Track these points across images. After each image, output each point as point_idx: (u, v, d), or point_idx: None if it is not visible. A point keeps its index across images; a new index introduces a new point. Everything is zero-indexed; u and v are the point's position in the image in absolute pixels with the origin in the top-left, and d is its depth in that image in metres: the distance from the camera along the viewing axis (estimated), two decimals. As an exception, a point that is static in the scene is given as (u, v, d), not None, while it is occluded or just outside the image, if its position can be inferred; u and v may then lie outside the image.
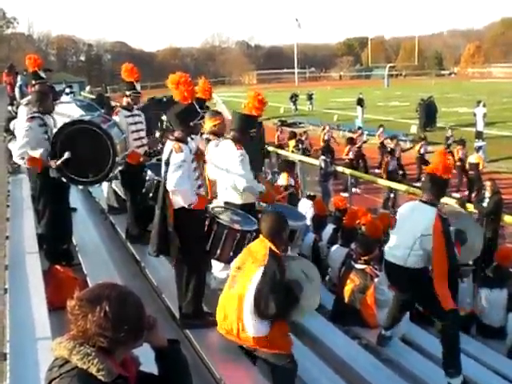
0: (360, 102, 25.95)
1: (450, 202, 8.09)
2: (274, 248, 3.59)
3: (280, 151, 14.16)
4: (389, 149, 14.96)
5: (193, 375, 2.17)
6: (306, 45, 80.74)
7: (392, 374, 4.50)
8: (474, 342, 6.04)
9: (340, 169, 12.61)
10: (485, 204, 9.00)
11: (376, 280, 5.27)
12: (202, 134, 5.28)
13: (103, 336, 1.70)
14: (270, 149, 13.83)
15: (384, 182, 11.68)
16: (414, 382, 4.56)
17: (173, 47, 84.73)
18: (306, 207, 7.83)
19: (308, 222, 6.98)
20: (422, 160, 15.24)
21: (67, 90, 13.32)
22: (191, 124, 4.12)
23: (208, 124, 5.42)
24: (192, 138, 4.35)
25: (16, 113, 7.37)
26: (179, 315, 4.29)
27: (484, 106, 20.52)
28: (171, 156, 3.99)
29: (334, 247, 6.67)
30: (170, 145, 4.08)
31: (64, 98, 9.39)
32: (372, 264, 5.45)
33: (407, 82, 58.80)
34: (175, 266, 4.33)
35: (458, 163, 14.02)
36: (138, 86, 5.98)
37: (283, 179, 8.75)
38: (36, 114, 5.34)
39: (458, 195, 12.71)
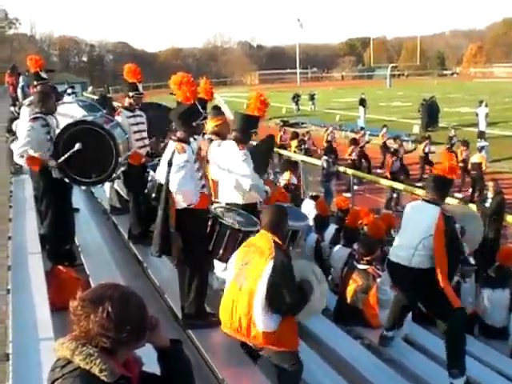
0: (362, 102, 25.87)
1: (452, 202, 8.07)
2: (277, 240, 3.60)
3: (282, 151, 14.14)
4: (392, 149, 14.94)
5: (195, 375, 2.16)
6: (307, 45, 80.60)
7: (394, 373, 4.50)
8: (477, 343, 6.02)
9: (342, 169, 12.62)
10: (487, 204, 8.99)
11: (378, 280, 5.26)
12: (204, 134, 5.28)
13: (106, 336, 1.69)
14: (272, 149, 13.81)
15: (386, 182, 11.67)
16: (416, 382, 4.54)
17: (175, 47, 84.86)
18: (309, 207, 7.82)
19: (310, 222, 6.97)
20: (426, 159, 15.21)
21: (69, 91, 13.36)
22: (194, 124, 4.13)
23: (210, 124, 5.42)
24: (195, 139, 4.36)
25: (18, 113, 7.38)
26: (181, 315, 4.30)
27: (486, 105, 20.43)
28: (174, 156, 3.99)
29: (337, 247, 6.66)
30: (172, 145, 4.08)
31: (66, 98, 9.42)
32: (374, 264, 5.44)
33: (409, 82, 58.69)
34: (177, 266, 4.34)
35: (461, 164, 13.98)
36: (140, 87, 5.98)
37: (286, 177, 8.74)
38: (38, 115, 5.34)
39: (460, 195, 12.69)
